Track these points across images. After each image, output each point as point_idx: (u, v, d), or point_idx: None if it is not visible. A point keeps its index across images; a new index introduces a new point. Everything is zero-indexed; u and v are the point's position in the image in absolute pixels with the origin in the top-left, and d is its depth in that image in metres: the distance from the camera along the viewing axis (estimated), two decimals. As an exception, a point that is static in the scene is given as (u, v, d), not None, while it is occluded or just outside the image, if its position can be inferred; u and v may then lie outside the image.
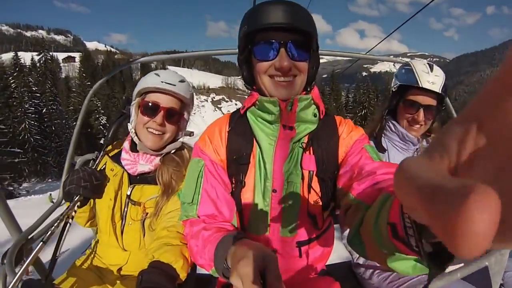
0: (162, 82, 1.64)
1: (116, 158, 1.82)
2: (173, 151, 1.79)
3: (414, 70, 1.90)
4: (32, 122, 37.30)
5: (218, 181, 1.27)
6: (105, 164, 1.83)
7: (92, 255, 1.83)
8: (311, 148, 1.29)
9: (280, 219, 1.29)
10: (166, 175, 1.69)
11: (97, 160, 1.85)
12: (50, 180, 34.18)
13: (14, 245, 1.60)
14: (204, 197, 1.24)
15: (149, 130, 1.67)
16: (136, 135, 1.73)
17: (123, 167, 1.76)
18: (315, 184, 1.27)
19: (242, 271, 0.75)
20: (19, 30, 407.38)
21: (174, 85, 1.65)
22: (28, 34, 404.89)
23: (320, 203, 1.28)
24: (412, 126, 1.96)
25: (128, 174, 1.75)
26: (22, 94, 37.75)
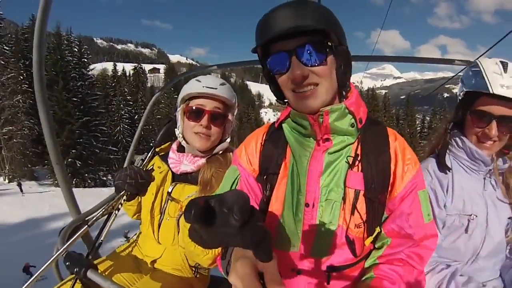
0: (203, 87, 1.73)
1: (164, 157, 1.96)
2: (220, 152, 1.90)
3: (483, 72, 1.50)
4: (126, 126, 43.19)
5: (249, 192, 1.27)
6: (153, 164, 1.99)
7: (133, 244, 2.01)
8: (359, 164, 1.17)
9: (313, 237, 1.16)
10: (208, 173, 1.77)
11: (145, 161, 2.03)
12: (134, 175, 40.18)
13: (71, 223, 1.81)
14: None
15: (196, 133, 1.77)
16: (184, 139, 1.85)
17: (168, 166, 1.90)
18: (361, 205, 1.14)
19: (241, 271, 0.72)
20: (111, 43, 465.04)
21: (215, 89, 1.74)
22: (119, 47, 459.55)
23: (363, 228, 1.15)
24: (483, 143, 1.58)
25: (172, 172, 1.89)
26: (119, 102, 43.96)
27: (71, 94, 32.52)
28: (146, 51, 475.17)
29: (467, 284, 1.53)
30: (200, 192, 1.75)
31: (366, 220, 1.15)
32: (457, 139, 1.67)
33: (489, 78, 1.46)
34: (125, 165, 2.42)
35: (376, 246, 1.21)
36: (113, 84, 48.76)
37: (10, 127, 31.44)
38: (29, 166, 33.05)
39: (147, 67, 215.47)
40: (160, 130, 2.18)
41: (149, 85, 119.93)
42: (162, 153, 2.04)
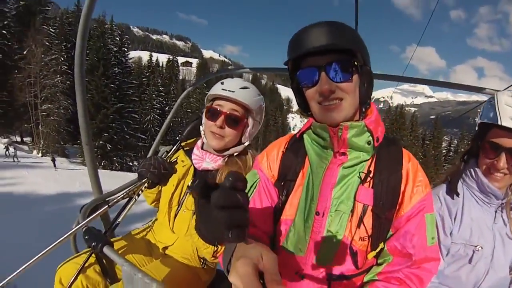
0: (223, 89, 1.80)
1: (189, 152, 2.05)
2: (236, 154, 1.94)
3: (496, 104, 1.51)
4: (156, 116, 44.38)
5: (267, 196, 1.33)
6: (177, 157, 2.08)
7: (148, 229, 2.13)
8: (371, 181, 1.22)
9: (319, 245, 1.22)
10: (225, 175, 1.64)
11: (170, 153, 2.11)
12: (157, 163, 41.37)
13: (92, 201, 1.93)
14: (250, 206, 1.30)
15: (212, 132, 1.85)
16: (205, 136, 1.94)
17: (192, 161, 1.99)
18: (368, 219, 1.19)
19: (241, 271, 0.74)
20: (147, 33, 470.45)
21: (233, 92, 1.79)
22: (154, 37, 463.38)
23: (367, 241, 1.20)
24: (492, 175, 1.57)
25: (195, 168, 1.97)
26: (152, 91, 45.14)
27: (109, 80, 34.07)
28: (180, 43, 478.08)
29: None
30: None
31: (371, 235, 1.20)
32: (471, 169, 1.68)
33: (500, 110, 1.49)
34: (149, 154, 2.56)
35: (378, 262, 1.26)
36: (148, 74, 49.99)
37: (50, 105, 33.18)
38: (62, 143, 34.57)
39: (180, 59, 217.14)
40: (188, 125, 2.22)
41: (180, 77, 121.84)
42: (187, 148, 2.11)
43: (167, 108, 47.61)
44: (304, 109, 1.32)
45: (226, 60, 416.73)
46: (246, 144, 1.95)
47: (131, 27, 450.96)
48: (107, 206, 1.89)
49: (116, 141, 33.61)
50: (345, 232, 1.20)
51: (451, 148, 61.79)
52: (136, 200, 2.02)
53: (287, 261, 1.27)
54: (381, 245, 1.23)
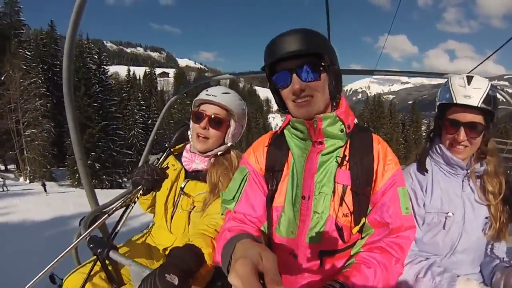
0: (207, 94, 1.93)
1: (178, 157, 2.14)
2: (219, 153, 2.03)
3: (450, 86, 1.74)
4: (140, 130, 44.31)
5: (258, 187, 1.45)
6: (168, 162, 2.15)
7: (147, 234, 2.19)
8: (347, 164, 1.36)
9: (307, 226, 1.34)
10: (215, 176, 1.93)
11: (161, 160, 2.21)
12: (146, 179, 40.62)
13: (90, 213, 1.97)
14: (243, 197, 1.43)
15: (197, 135, 1.96)
16: (192, 139, 2.05)
17: (182, 164, 2.07)
18: (348, 198, 1.33)
19: (241, 271, 0.75)
20: (121, 47, 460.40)
21: (216, 96, 1.91)
22: (128, 50, 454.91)
23: (350, 218, 1.33)
24: (454, 147, 1.76)
25: (185, 170, 2.05)
26: (133, 107, 45.02)
27: (92, 99, 33.98)
28: (155, 54, 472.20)
29: (442, 274, 1.65)
30: (209, 193, 1.89)
31: (353, 211, 1.33)
32: (436, 146, 1.86)
33: (454, 91, 1.69)
34: (140, 164, 2.57)
35: (362, 236, 1.38)
36: (127, 89, 49.68)
37: (33, 130, 32.85)
38: (48, 167, 34.21)
39: (157, 70, 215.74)
40: (175, 133, 2.37)
41: (159, 89, 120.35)
42: (176, 153, 2.20)
43: (149, 121, 47.54)
44: (282, 108, 1.46)
45: (202, 67, 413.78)
46: (229, 144, 2.05)
47: (104, 42, 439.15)
48: (106, 215, 1.91)
49: (104, 159, 33.58)
50: (330, 211, 1.33)
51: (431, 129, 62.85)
52: (132, 207, 2.09)
53: (281, 244, 1.40)
54: (363, 220, 1.36)
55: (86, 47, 36.99)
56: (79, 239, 1.73)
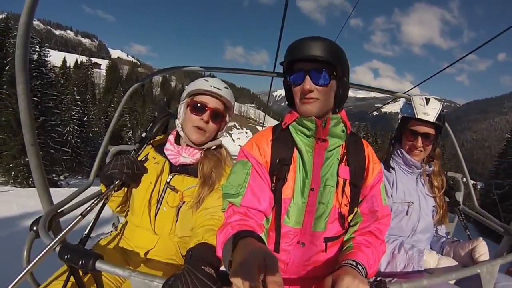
0: (211, 86, 1.86)
1: (159, 149, 2.02)
2: (213, 148, 2.00)
3: (413, 104, 2.16)
4: (76, 127, 42.35)
5: (262, 180, 1.47)
6: (146, 155, 2.03)
7: (118, 237, 1.97)
8: (346, 160, 1.54)
9: (314, 215, 1.46)
10: (208, 167, 1.89)
11: (139, 152, 2.07)
12: (80, 177, 38.32)
13: (46, 214, 1.63)
14: (249, 191, 1.41)
15: (195, 126, 1.87)
16: (182, 129, 1.94)
17: (165, 156, 1.96)
18: (347, 190, 1.51)
19: (242, 271, 0.77)
20: (49, 27, 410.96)
21: (221, 90, 1.88)
22: (57, 32, 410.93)
23: (348, 207, 1.52)
24: (413, 151, 2.20)
25: (170, 163, 1.94)
26: (70, 102, 42.86)
27: (32, 93, 31.05)
28: (86, 41, 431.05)
29: (412, 249, 1.98)
30: (202, 185, 1.83)
31: (350, 201, 1.51)
32: (398, 151, 2.29)
33: (416, 108, 2.13)
34: (98, 157, 2.48)
35: (351, 224, 1.57)
36: (62, 81, 46.63)
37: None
38: None
39: (86, 59, 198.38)
40: (156, 123, 2.20)
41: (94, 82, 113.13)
42: (156, 145, 2.09)
43: (85, 118, 45.64)
44: (290, 103, 1.59)
45: (135, 60, 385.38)
46: (221, 139, 2.07)
47: None
48: (80, 215, 1.64)
49: (42, 157, 31.11)
50: (334, 201, 1.48)
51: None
52: (105, 205, 1.93)
53: (289, 234, 1.51)
54: (356, 209, 1.56)
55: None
56: (47, 248, 1.36)
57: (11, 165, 26.67)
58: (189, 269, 1.18)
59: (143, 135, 2.19)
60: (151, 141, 2.15)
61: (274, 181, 1.50)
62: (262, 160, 1.51)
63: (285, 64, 1.49)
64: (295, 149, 1.53)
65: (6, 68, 30.90)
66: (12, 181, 28.27)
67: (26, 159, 29.72)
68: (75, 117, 42.85)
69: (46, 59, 35.60)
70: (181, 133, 1.98)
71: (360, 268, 1.29)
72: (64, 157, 36.91)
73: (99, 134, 48.61)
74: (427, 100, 2.16)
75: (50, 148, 32.62)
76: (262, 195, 1.43)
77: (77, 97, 46.23)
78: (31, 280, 1.56)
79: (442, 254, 2.13)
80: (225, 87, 1.92)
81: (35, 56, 33.00)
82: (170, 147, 1.97)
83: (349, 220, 1.55)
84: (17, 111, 29.60)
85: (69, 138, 40.87)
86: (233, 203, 1.41)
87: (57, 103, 37.88)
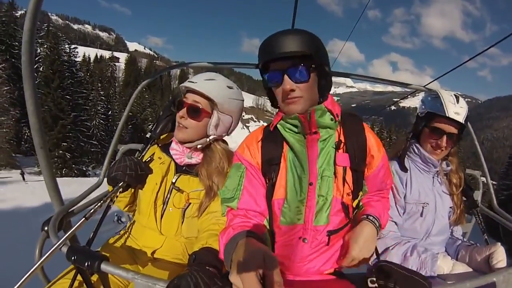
0: (188, 81, 1.77)
1: (165, 148, 1.95)
2: (199, 146, 1.86)
3: (442, 100, 1.96)
4: (101, 121, 45.15)
5: (257, 181, 1.45)
6: (151, 155, 1.96)
7: (126, 236, 1.94)
8: (344, 147, 1.44)
9: (314, 210, 1.39)
10: (205, 174, 1.80)
11: (143, 152, 2.01)
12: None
13: (57, 214, 1.64)
14: (245, 193, 1.41)
15: (177, 123, 1.82)
16: None
17: (171, 156, 1.90)
18: (349, 177, 1.42)
19: (242, 271, 0.76)
20: (67, 22, 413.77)
21: (195, 83, 1.74)
22: (75, 27, 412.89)
23: (351, 195, 1.43)
24: (435, 150, 2.02)
25: (175, 163, 1.88)
26: (96, 98, 45.54)
27: (65, 92, 34.71)
28: (104, 35, 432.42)
29: (426, 252, 1.85)
30: (206, 195, 1.77)
31: (353, 189, 1.44)
32: (414, 147, 2.12)
33: (446, 105, 1.94)
34: (108, 155, 2.46)
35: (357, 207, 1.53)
36: (86, 77, 48.61)
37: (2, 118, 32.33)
38: (13, 154, 33.46)
39: (105, 53, 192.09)
40: (160, 122, 2.13)
41: (108, 74, 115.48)
42: (161, 144, 2.03)
43: (109, 112, 48.23)
44: (273, 103, 1.55)
45: (152, 53, 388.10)
46: (211, 137, 1.85)
47: (50, 14, 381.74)
48: (84, 218, 1.60)
49: (74, 150, 34.46)
50: (334, 192, 1.41)
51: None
52: (110, 207, 1.85)
53: (289, 232, 1.45)
54: (360, 194, 1.52)
55: (61, 39, 37.35)
56: (54, 248, 1.38)
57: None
58: (196, 268, 1.22)
59: (148, 135, 2.14)
60: (157, 140, 2.08)
61: (267, 182, 1.47)
62: (254, 162, 1.49)
63: (261, 66, 1.44)
64: (284, 147, 1.48)
65: (41, 69, 33.66)
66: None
67: (60, 151, 33.30)
68: (100, 112, 45.71)
69: (75, 59, 38.58)
70: None
71: (371, 218, 1.44)
72: (92, 150, 40.02)
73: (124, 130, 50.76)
74: (457, 98, 2.01)
75: (80, 141, 35.68)
76: (258, 197, 1.44)
77: (101, 92, 48.93)
78: (43, 277, 1.63)
79: (457, 258, 2.04)
80: (207, 79, 1.78)
81: (65, 57, 35.99)
82: (175, 147, 1.90)
83: (354, 206, 1.49)
84: (52, 109, 33.13)
85: (95, 132, 43.86)
86: (230, 206, 1.43)
87: (84, 99, 40.54)
